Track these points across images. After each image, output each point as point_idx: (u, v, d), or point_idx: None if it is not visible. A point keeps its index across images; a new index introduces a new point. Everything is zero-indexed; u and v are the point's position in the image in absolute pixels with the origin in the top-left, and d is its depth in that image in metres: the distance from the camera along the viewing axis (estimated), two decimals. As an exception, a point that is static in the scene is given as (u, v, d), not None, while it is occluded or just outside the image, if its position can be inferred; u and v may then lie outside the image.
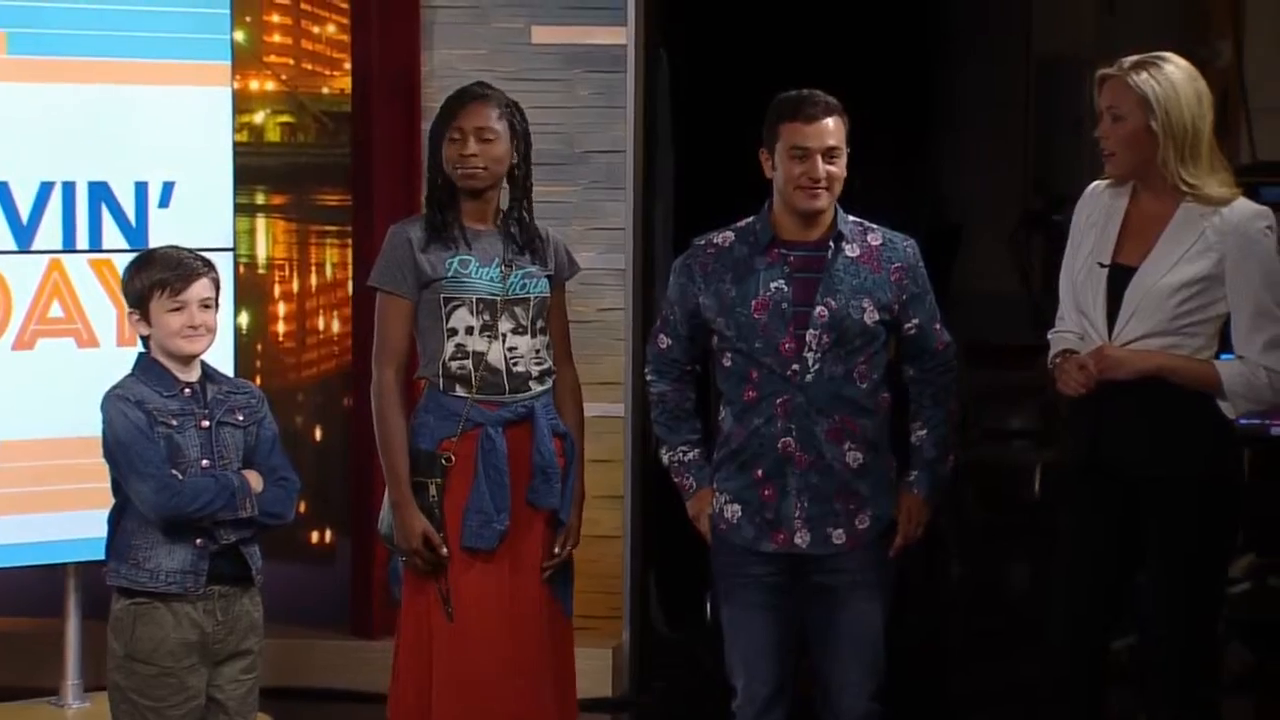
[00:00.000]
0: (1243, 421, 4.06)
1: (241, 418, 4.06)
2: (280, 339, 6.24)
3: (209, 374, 4.07)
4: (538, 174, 4.36)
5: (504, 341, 4.17)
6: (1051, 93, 8.27)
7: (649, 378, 4.30)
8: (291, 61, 6.14)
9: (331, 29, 6.07)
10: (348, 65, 5.74)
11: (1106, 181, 4.08)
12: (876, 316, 4.09)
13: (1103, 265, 3.99)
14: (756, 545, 4.12)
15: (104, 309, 4.83)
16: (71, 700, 5.01)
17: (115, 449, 3.95)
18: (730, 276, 4.12)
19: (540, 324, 4.22)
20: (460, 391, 4.15)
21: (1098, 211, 4.07)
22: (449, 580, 4.13)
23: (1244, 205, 3.95)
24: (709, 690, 4.62)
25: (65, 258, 4.83)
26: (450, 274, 4.15)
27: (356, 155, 5.69)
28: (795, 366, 4.06)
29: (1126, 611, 4.15)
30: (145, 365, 4.02)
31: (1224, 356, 3.98)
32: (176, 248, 4.08)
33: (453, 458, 4.13)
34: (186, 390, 4.01)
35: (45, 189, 4.80)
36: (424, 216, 4.23)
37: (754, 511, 4.11)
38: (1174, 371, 3.93)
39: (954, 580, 6.90)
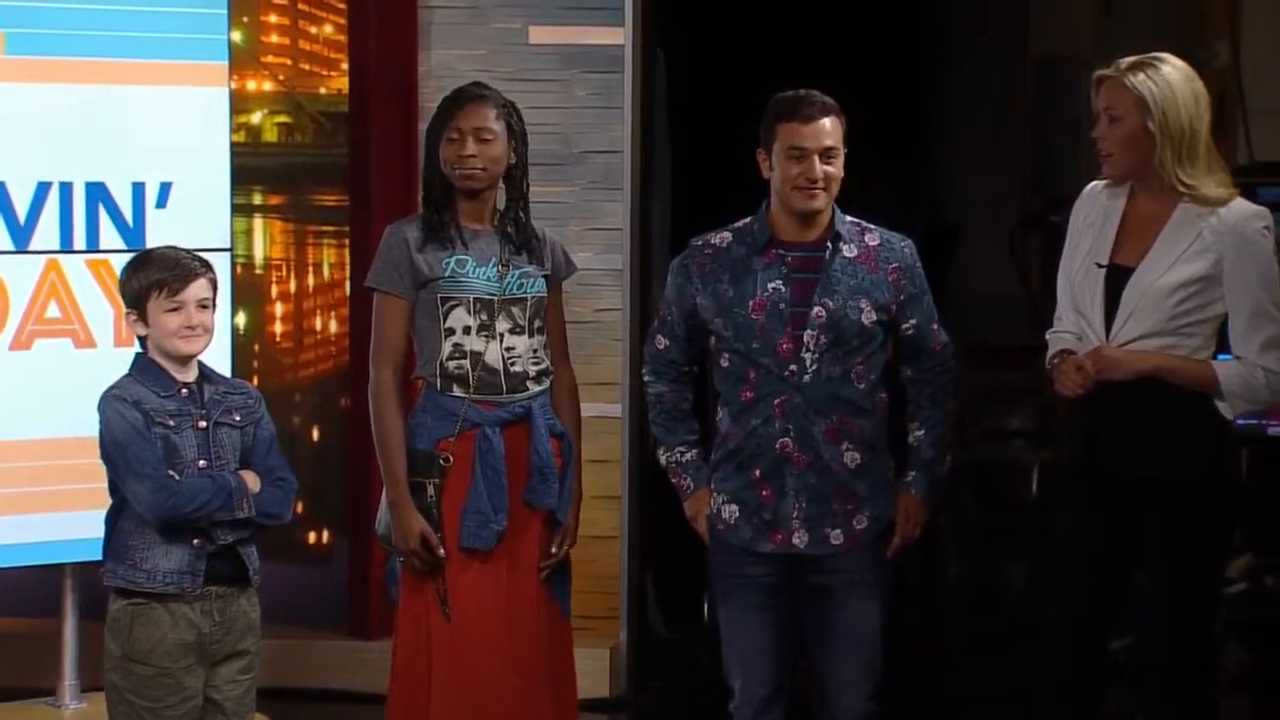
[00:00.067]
0: (1240, 422, 4.06)
1: (239, 418, 4.06)
2: (278, 339, 6.23)
3: (206, 374, 4.07)
4: (535, 174, 4.36)
5: (501, 341, 4.17)
6: (1049, 93, 8.27)
7: (646, 378, 4.30)
8: (289, 62, 6.14)
9: (329, 29, 6.07)
10: (345, 65, 5.74)
11: (1104, 182, 4.08)
12: (874, 317, 4.09)
13: (1100, 266, 4.00)
14: (754, 545, 4.12)
15: (101, 309, 4.83)
16: (69, 701, 5.01)
17: (112, 449, 3.95)
18: (728, 277, 4.12)
19: (537, 324, 4.22)
20: (458, 391, 4.15)
21: (1095, 212, 4.07)
22: (446, 581, 4.13)
23: (1241, 205, 3.96)
24: (706, 690, 4.62)
25: (62, 258, 4.83)
26: (447, 274, 4.15)
27: (354, 155, 5.69)
28: (793, 367, 4.06)
29: (1124, 612, 4.15)
30: (142, 365, 4.02)
31: (1221, 357, 3.98)
32: (174, 248, 4.08)
33: (451, 458, 4.13)
34: (184, 390, 4.01)
35: (42, 189, 4.80)
36: (421, 216, 4.23)
37: (752, 512, 4.11)
38: (1171, 372, 3.93)
39: (952, 580, 6.90)
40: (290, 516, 4.12)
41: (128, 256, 4.22)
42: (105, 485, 4.02)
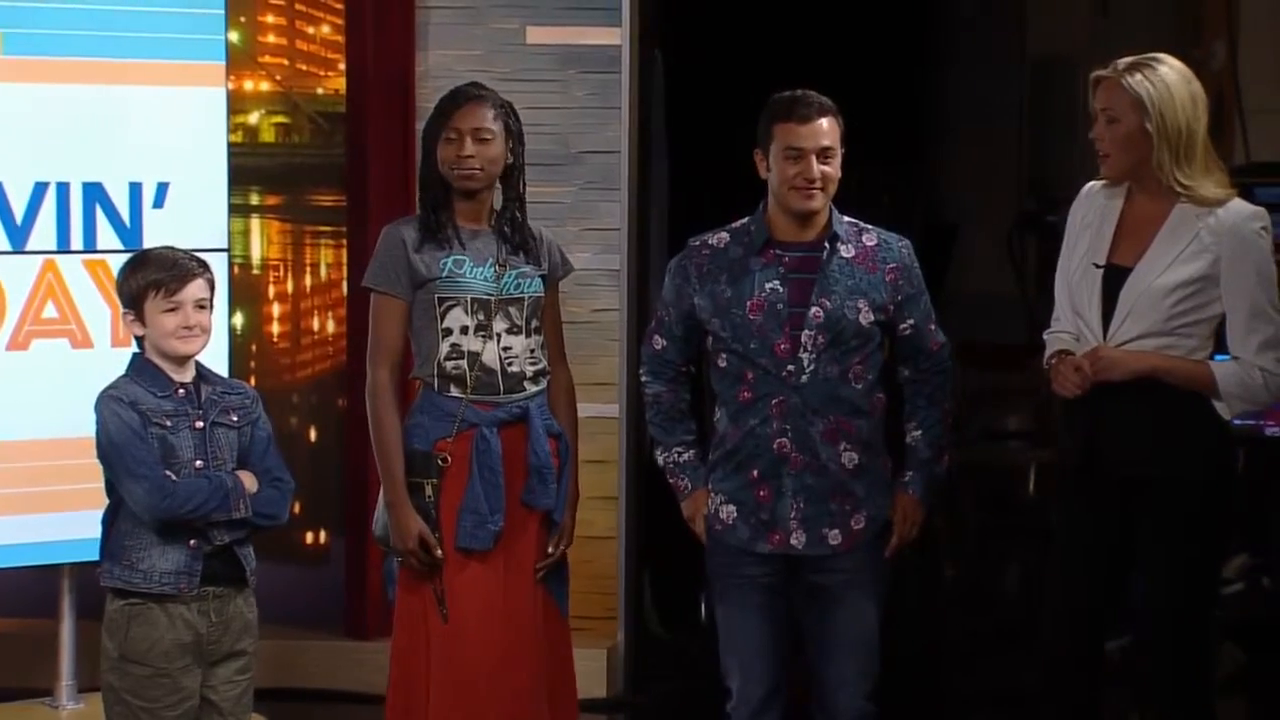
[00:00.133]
0: (1237, 422, 4.06)
1: (236, 418, 4.06)
2: (275, 340, 6.23)
3: (203, 374, 4.07)
4: (533, 174, 4.36)
5: (499, 341, 4.17)
6: (1046, 94, 8.28)
7: (644, 379, 4.30)
8: (286, 62, 6.13)
9: (326, 29, 6.07)
10: (342, 66, 5.74)
11: (1102, 182, 4.09)
12: (872, 317, 4.09)
13: (1098, 266, 4.00)
14: (752, 546, 4.12)
15: (98, 310, 4.82)
16: (66, 701, 5.00)
17: (109, 450, 3.95)
18: (725, 277, 4.12)
19: (535, 324, 4.23)
20: (455, 392, 4.15)
21: (1093, 212, 4.07)
22: (444, 581, 4.12)
23: (1239, 206, 3.96)
24: (704, 691, 4.62)
25: (60, 258, 4.82)
26: (444, 274, 4.15)
27: (351, 156, 5.68)
28: (790, 367, 4.06)
29: (1121, 612, 4.15)
30: (139, 366, 4.02)
31: (1218, 358, 3.98)
32: (171, 248, 4.08)
33: (448, 458, 4.13)
34: (181, 391, 4.00)
35: (40, 189, 4.79)
36: (418, 217, 4.23)
37: (749, 512, 4.11)
38: (1169, 372, 3.93)
39: (949, 580, 6.90)
40: (287, 517, 4.12)
41: (125, 257, 4.22)
42: (102, 486, 4.02)
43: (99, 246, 4.85)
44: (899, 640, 4.39)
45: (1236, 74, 6.67)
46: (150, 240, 4.72)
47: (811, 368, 4.06)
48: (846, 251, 4.12)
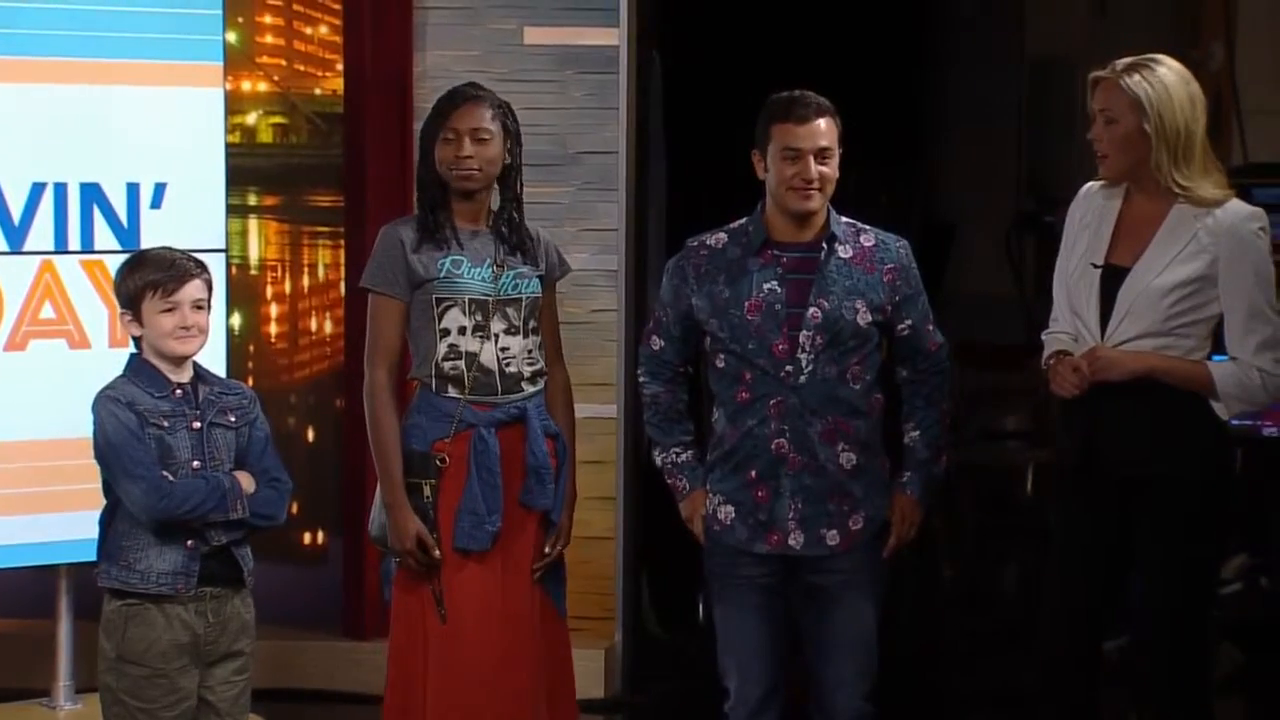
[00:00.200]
0: (1235, 422, 4.06)
1: (233, 419, 4.06)
2: (272, 340, 6.23)
3: (201, 375, 4.07)
4: (530, 175, 4.36)
5: (496, 342, 4.17)
6: (1044, 94, 8.29)
7: (641, 379, 4.30)
8: (284, 62, 6.13)
9: (324, 30, 6.07)
10: (340, 66, 5.73)
11: (1100, 183, 4.09)
12: (869, 318, 4.09)
13: (1096, 266, 4.00)
14: (750, 546, 4.11)
15: (96, 310, 4.82)
16: (63, 701, 5.00)
17: (106, 450, 3.95)
18: (723, 278, 4.12)
19: (532, 324, 4.22)
20: (453, 392, 4.15)
21: (1091, 213, 4.07)
22: (442, 581, 4.12)
23: (1237, 206, 3.96)
24: (702, 691, 4.62)
25: (57, 259, 4.82)
26: (442, 274, 4.15)
27: (349, 156, 5.68)
28: (789, 368, 4.06)
29: (1119, 612, 4.15)
30: (137, 366, 4.02)
31: (1216, 358, 3.98)
32: (169, 249, 4.08)
33: (446, 459, 4.12)
34: (178, 391, 4.00)
35: (37, 190, 4.79)
36: (416, 217, 4.23)
37: (747, 513, 4.11)
38: (1167, 372, 3.93)
39: (947, 581, 6.90)
40: (285, 517, 4.11)
41: (122, 257, 4.21)
42: (99, 486, 4.01)
43: (96, 247, 4.84)
44: (897, 640, 4.39)
45: (1234, 75, 6.68)
46: (148, 241, 4.71)
47: (810, 368, 4.06)
48: (844, 252, 4.12)
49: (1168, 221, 3.95)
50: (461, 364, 4.15)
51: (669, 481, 4.26)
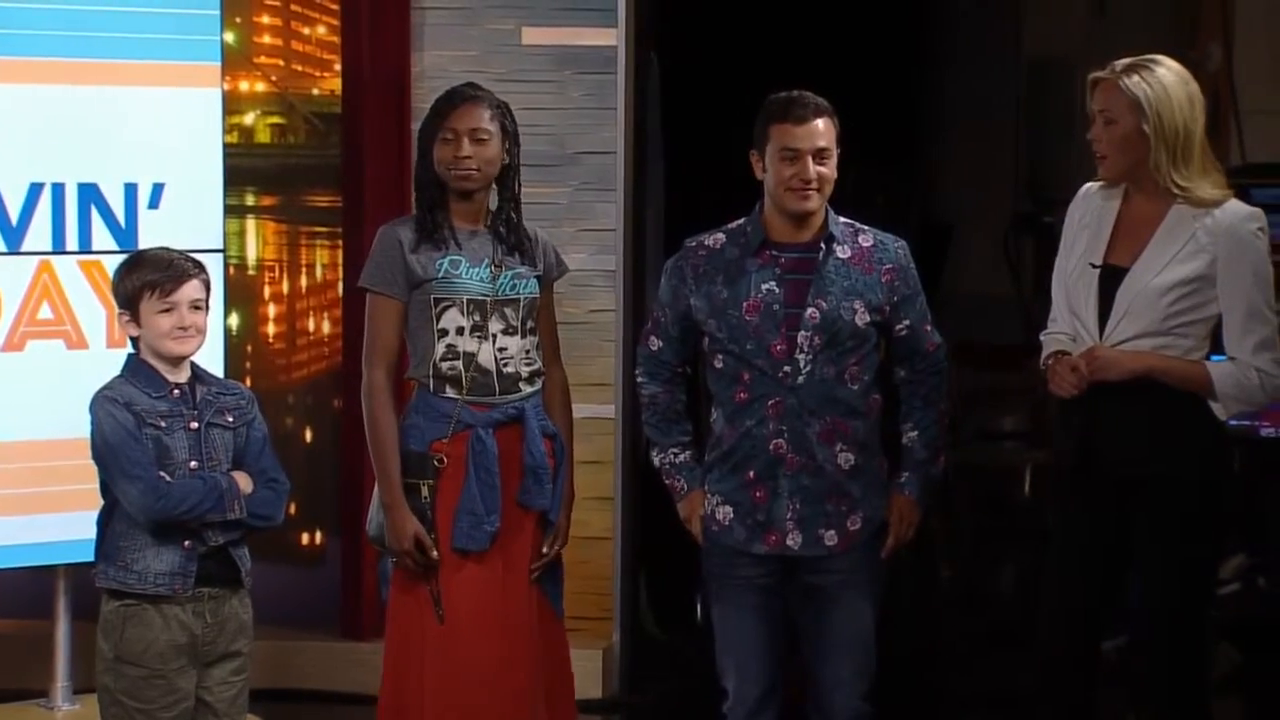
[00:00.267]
0: (1233, 422, 4.06)
1: (231, 419, 4.05)
2: (270, 340, 6.23)
3: (199, 375, 4.06)
4: (528, 175, 4.36)
5: (494, 342, 4.17)
6: (1043, 95, 8.29)
7: (639, 379, 4.30)
8: (282, 63, 6.13)
9: (322, 30, 6.06)
10: (338, 66, 5.73)
11: (1099, 183, 4.09)
12: (868, 318, 4.09)
13: (1095, 266, 4.00)
14: (748, 547, 4.11)
15: (94, 310, 4.82)
16: (61, 702, 5.00)
17: (103, 451, 3.94)
18: (721, 278, 4.12)
19: (530, 324, 4.22)
20: (451, 392, 4.15)
21: (1090, 213, 4.07)
22: (440, 582, 4.12)
23: (1236, 207, 3.96)
24: (700, 691, 4.62)
25: (55, 259, 4.82)
26: (440, 274, 4.15)
27: (347, 156, 5.68)
28: (787, 368, 4.06)
29: (1117, 612, 4.15)
30: (134, 366, 4.02)
31: (1215, 358, 3.98)
32: (166, 249, 4.08)
33: (444, 459, 4.12)
34: (175, 391, 4.00)
35: (35, 190, 4.79)
36: (414, 217, 4.23)
37: (745, 513, 4.11)
38: (1165, 372, 3.93)
39: (945, 581, 6.90)
40: (282, 518, 4.11)
41: (120, 258, 4.21)
42: (97, 486, 4.01)
43: (94, 247, 4.84)
44: (895, 641, 4.39)
45: (1233, 75, 6.68)
46: (145, 241, 4.71)
47: (808, 369, 4.06)
48: (842, 252, 4.12)
49: (1166, 222, 3.95)
50: (459, 364, 4.15)
51: (667, 482, 4.26)
